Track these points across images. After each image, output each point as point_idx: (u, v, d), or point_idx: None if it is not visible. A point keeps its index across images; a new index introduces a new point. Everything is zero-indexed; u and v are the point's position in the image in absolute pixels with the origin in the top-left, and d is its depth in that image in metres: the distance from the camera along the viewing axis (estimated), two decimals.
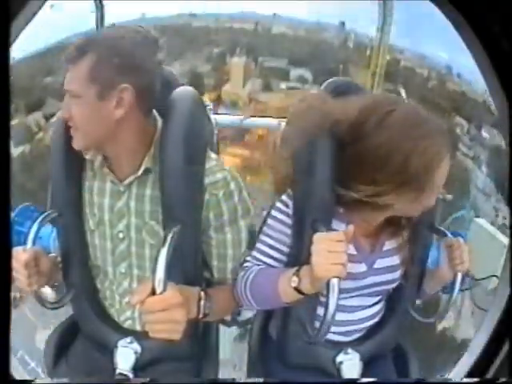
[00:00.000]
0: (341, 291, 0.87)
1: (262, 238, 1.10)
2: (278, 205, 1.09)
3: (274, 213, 1.10)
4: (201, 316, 0.97)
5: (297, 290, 0.92)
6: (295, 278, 0.92)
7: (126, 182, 1.05)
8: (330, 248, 0.86)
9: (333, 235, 0.89)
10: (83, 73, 0.96)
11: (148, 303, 0.84)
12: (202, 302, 0.97)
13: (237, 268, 1.12)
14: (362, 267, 1.07)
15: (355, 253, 1.05)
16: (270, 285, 0.99)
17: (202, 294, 0.97)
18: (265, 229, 1.10)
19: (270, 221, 1.10)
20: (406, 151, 0.91)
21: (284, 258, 1.08)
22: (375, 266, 1.08)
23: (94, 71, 0.96)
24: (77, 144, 1.02)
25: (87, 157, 1.08)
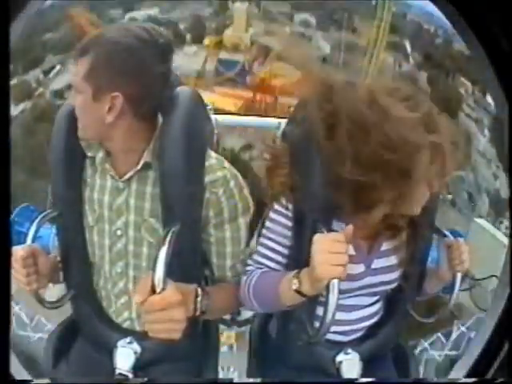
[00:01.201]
0: (340, 291, 0.87)
1: (263, 240, 1.10)
2: (277, 207, 1.09)
3: (273, 215, 1.09)
4: (198, 313, 0.96)
5: (298, 292, 0.92)
6: (296, 281, 0.92)
7: (126, 176, 1.06)
8: (331, 249, 0.86)
9: (333, 236, 0.89)
10: (83, 71, 0.98)
11: (147, 303, 0.84)
12: (199, 299, 0.96)
13: (236, 265, 1.12)
14: (361, 268, 1.07)
15: (354, 253, 1.05)
16: (272, 289, 0.99)
17: (199, 290, 0.96)
18: (265, 232, 1.10)
19: (269, 223, 1.10)
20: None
21: (285, 261, 1.08)
22: (373, 266, 1.08)
23: (91, 72, 0.98)
24: (79, 133, 1.06)
25: (89, 154, 1.09)
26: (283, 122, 1.62)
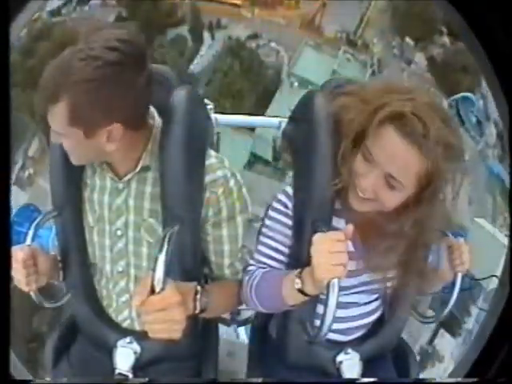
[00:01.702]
0: (339, 289, 0.88)
1: (263, 239, 1.10)
2: (276, 205, 1.09)
3: (272, 214, 1.10)
4: (197, 311, 0.97)
5: (300, 291, 0.92)
6: (298, 280, 0.92)
7: (125, 178, 1.05)
8: (331, 249, 0.86)
9: (332, 235, 0.89)
10: (63, 118, 0.91)
11: (147, 303, 0.84)
12: (198, 297, 0.96)
13: (235, 263, 1.13)
14: (360, 264, 1.07)
15: (353, 250, 1.05)
16: (274, 289, 0.99)
17: (199, 288, 0.97)
18: (265, 230, 1.11)
19: (269, 222, 1.10)
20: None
21: (286, 259, 1.08)
22: (371, 263, 1.08)
23: (74, 116, 0.90)
24: (73, 162, 1.02)
25: None
26: (284, 121, 1.62)
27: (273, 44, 19.62)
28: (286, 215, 1.07)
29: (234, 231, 1.10)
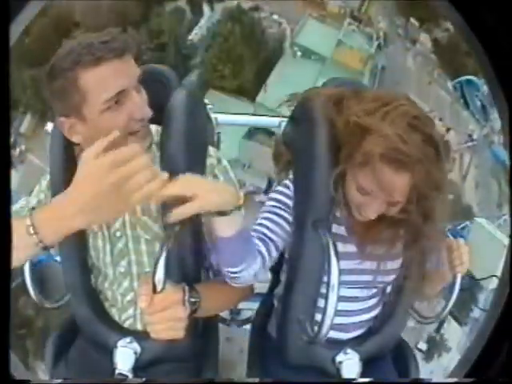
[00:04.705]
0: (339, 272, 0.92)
1: (263, 214, 1.12)
2: (279, 188, 1.13)
3: (274, 195, 1.13)
4: (188, 312, 0.94)
5: None
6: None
7: None
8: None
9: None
10: None
11: (150, 304, 0.84)
12: (186, 297, 0.93)
13: None
14: (352, 247, 1.08)
15: (345, 234, 1.07)
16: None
17: (186, 288, 0.94)
18: (265, 207, 1.13)
19: (270, 202, 1.13)
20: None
21: (285, 235, 1.10)
22: (367, 250, 1.08)
23: None
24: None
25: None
26: (284, 121, 1.62)
27: (275, 16, 19.21)
28: (288, 197, 1.11)
29: None
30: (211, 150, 1.10)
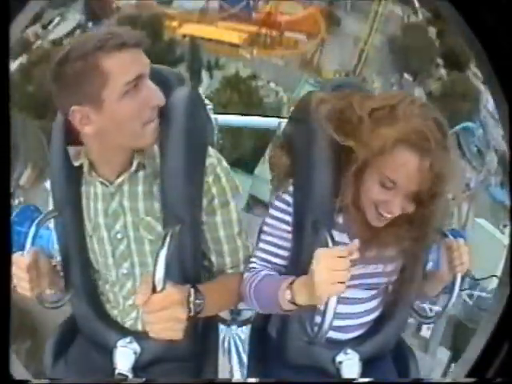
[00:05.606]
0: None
1: (264, 237, 1.11)
2: (278, 203, 1.10)
3: (273, 212, 1.10)
4: (192, 314, 0.95)
5: (291, 302, 0.93)
6: (288, 292, 0.93)
7: (119, 180, 1.05)
8: (333, 266, 0.86)
9: (335, 252, 0.89)
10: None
11: (148, 302, 0.84)
12: (192, 299, 0.95)
13: (236, 249, 1.13)
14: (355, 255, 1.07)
15: (348, 242, 1.06)
16: (272, 294, 0.99)
17: (192, 290, 0.96)
18: (266, 228, 1.11)
19: (270, 220, 1.11)
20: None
21: (287, 254, 1.09)
22: (370, 254, 1.07)
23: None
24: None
25: (76, 164, 1.05)
26: (283, 121, 1.62)
27: (272, 84, 19.41)
28: (287, 213, 1.08)
29: (227, 216, 1.11)
30: (211, 150, 1.10)
